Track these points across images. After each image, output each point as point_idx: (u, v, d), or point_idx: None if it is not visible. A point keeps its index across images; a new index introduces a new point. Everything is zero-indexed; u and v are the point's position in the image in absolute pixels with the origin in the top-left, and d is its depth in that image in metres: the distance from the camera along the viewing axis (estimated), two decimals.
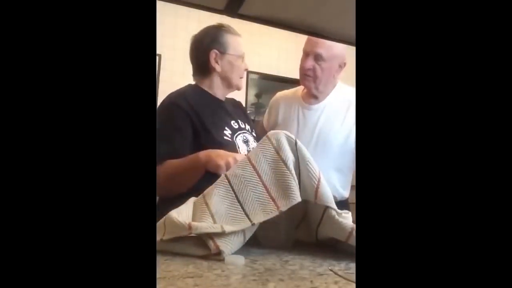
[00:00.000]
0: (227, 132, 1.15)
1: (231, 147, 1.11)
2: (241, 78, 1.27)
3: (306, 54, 1.36)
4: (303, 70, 1.37)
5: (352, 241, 0.57)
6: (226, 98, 1.30)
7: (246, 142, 1.19)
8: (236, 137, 1.18)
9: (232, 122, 1.21)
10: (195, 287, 0.40)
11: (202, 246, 0.54)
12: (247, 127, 1.27)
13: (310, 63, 1.34)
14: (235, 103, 1.36)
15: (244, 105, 1.65)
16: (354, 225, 0.57)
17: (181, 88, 1.22)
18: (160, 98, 1.19)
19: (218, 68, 1.22)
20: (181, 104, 1.11)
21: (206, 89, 1.24)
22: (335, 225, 0.59)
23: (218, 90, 1.24)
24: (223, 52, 1.21)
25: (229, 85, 1.25)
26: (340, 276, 0.46)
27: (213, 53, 1.21)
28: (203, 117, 1.11)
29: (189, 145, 1.07)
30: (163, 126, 1.06)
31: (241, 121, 1.25)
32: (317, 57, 1.33)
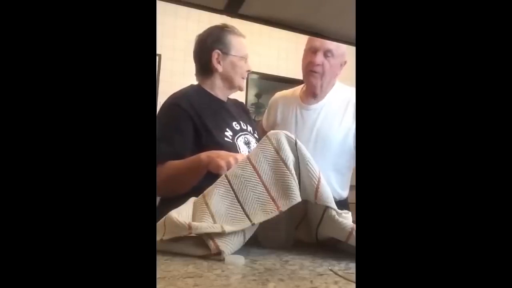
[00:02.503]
0: (228, 133, 1.15)
1: (232, 148, 1.10)
2: (243, 78, 1.25)
3: (314, 51, 1.34)
4: (311, 66, 1.35)
5: (352, 241, 0.57)
6: (229, 99, 1.29)
7: (247, 143, 1.18)
8: (237, 138, 1.17)
9: (234, 123, 1.20)
10: (195, 287, 0.40)
11: (202, 246, 0.54)
12: (249, 128, 1.25)
13: (320, 58, 1.33)
14: (237, 104, 1.35)
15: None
16: (354, 225, 0.57)
17: (183, 89, 1.22)
18: (160, 98, 1.19)
19: (220, 68, 1.21)
20: (183, 104, 1.11)
21: (208, 89, 1.23)
22: (335, 225, 0.59)
23: (219, 90, 1.24)
24: (225, 52, 1.21)
25: (231, 85, 1.24)
26: (340, 276, 0.46)
27: (215, 53, 1.20)
28: (204, 118, 1.11)
29: (190, 146, 1.07)
30: (165, 126, 1.07)
31: (243, 122, 1.24)
32: (327, 53, 1.33)
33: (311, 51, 1.36)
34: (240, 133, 1.19)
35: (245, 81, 1.28)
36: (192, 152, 1.03)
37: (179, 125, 1.08)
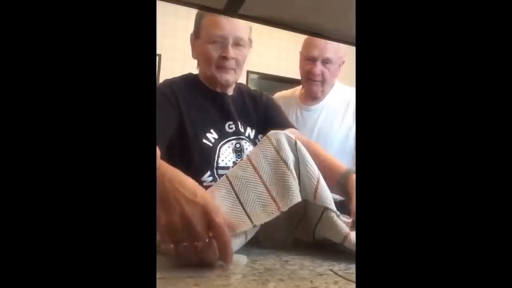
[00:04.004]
0: (211, 135, 0.93)
1: (206, 154, 0.91)
2: (220, 68, 0.96)
3: (313, 59, 1.34)
4: (311, 76, 1.34)
5: (348, 244, 0.57)
6: (241, 92, 1.05)
7: (238, 151, 0.95)
8: (224, 143, 0.94)
9: (228, 124, 0.97)
10: (195, 287, 0.40)
11: None
12: (249, 132, 1.00)
13: (319, 68, 1.33)
14: (249, 100, 1.05)
15: None
16: (352, 232, 0.58)
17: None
18: None
19: (193, 55, 1.03)
20: (163, 89, 0.94)
21: (203, 81, 1.02)
22: (332, 227, 0.59)
23: (206, 81, 1.01)
24: (197, 36, 1.00)
25: (203, 75, 1.01)
26: (340, 276, 0.46)
27: (190, 38, 1.03)
28: (183, 109, 0.92)
29: (168, 127, 0.89)
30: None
31: (242, 124, 0.99)
32: (326, 61, 1.33)
33: (309, 59, 1.35)
34: (232, 137, 0.96)
35: (225, 70, 0.97)
36: (170, 141, 0.89)
37: (159, 105, 0.88)
